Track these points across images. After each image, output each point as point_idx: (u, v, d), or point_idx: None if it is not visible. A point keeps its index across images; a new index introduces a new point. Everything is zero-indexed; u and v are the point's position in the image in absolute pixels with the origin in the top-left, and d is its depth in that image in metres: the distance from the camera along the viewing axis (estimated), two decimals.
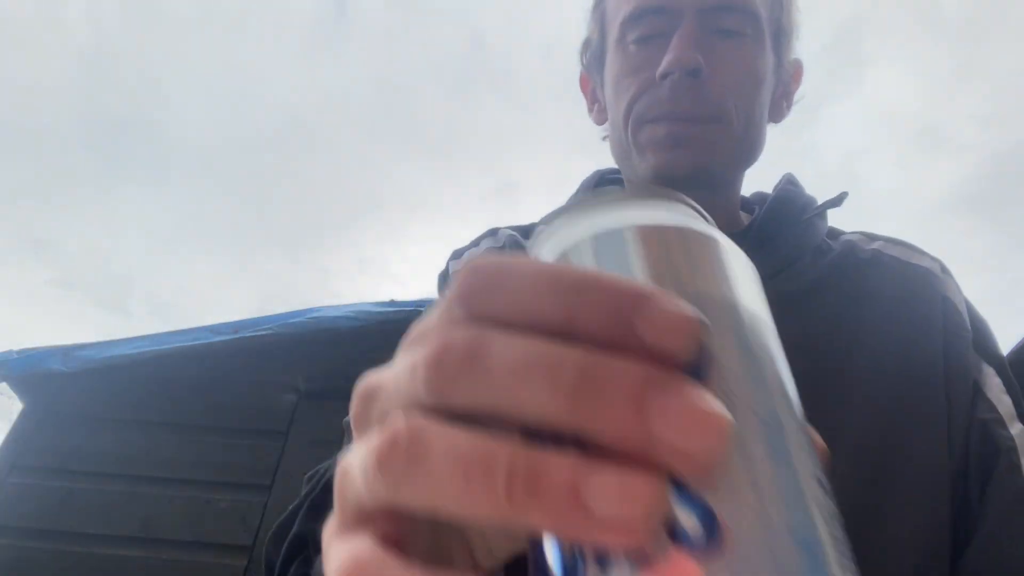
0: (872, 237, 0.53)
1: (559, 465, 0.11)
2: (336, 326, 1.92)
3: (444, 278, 0.55)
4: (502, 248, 0.54)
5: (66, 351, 1.88)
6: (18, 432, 1.90)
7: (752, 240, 0.50)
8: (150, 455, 1.82)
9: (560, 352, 0.12)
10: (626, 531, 0.10)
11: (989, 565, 0.38)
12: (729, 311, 0.13)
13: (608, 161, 0.59)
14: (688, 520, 0.11)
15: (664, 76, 0.46)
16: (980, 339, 0.46)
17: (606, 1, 0.54)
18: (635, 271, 0.14)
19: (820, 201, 0.53)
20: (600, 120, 0.58)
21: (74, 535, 1.71)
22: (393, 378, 0.14)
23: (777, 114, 0.55)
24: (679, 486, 0.11)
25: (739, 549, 0.10)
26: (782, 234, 0.50)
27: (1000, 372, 0.45)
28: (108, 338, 1.93)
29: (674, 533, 0.11)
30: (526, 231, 0.56)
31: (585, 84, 0.60)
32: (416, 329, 0.15)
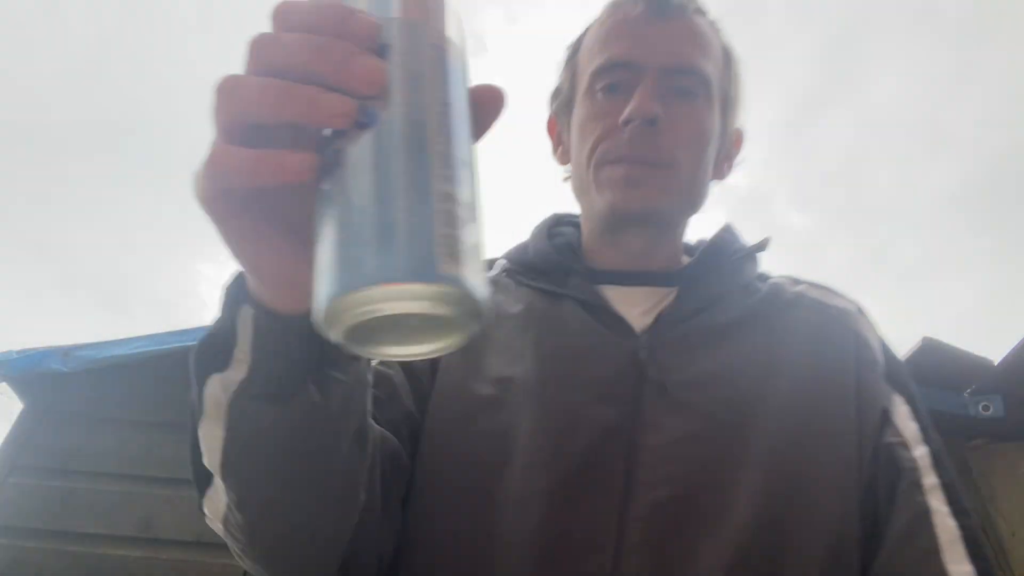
0: (797, 281, 0.59)
1: (306, 88, 0.23)
2: None
3: None
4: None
5: (66, 351, 1.88)
6: (18, 432, 1.90)
7: (688, 278, 0.56)
8: (150, 455, 1.82)
9: (311, 37, 0.23)
10: (338, 118, 0.22)
11: (901, 563, 0.43)
12: (432, 42, 0.25)
13: (566, 204, 0.66)
14: (363, 115, 0.23)
15: (626, 122, 0.53)
16: (892, 372, 0.52)
17: (578, 55, 0.62)
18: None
19: (748, 246, 0.61)
20: (564, 160, 0.65)
21: (74, 535, 1.71)
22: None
23: (719, 173, 0.63)
24: (364, 103, 0.23)
25: (385, 126, 0.23)
26: (714, 273, 0.57)
27: (909, 401, 0.50)
28: (109, 338, 1.93)
29: (359, 122, 0.23)
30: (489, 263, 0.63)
31: (552, 127, 0.67)
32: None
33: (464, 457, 0.48)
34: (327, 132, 0.24)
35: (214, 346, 0.33)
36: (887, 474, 0.46)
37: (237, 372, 0.32)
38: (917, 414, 0.49)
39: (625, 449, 0.46)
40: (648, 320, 0.53)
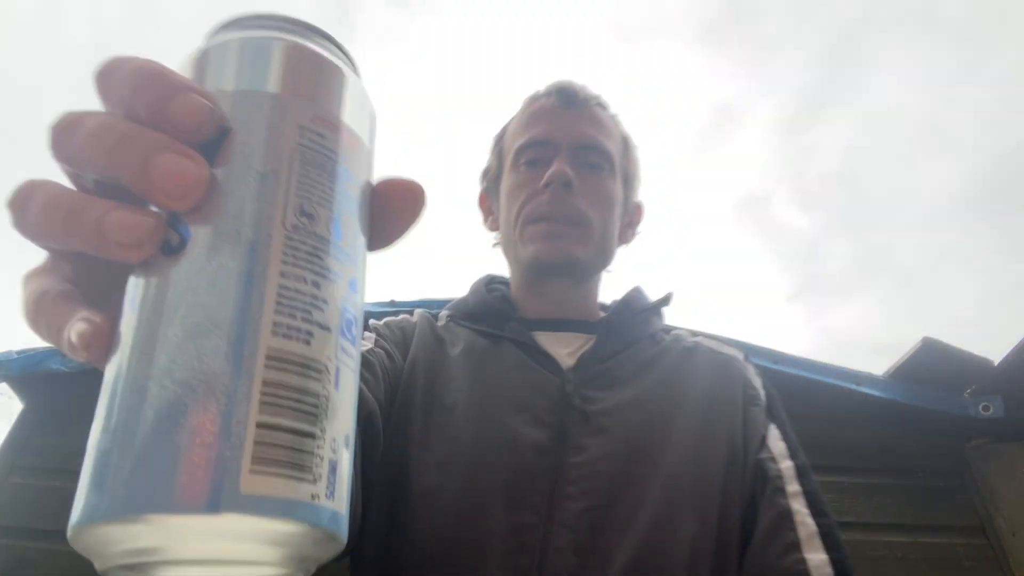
0: (695, 333, 0.72)
1: (94, 206, 0.17)
2: None
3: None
4: (414, 322, 0.69)
5: None
6: (18, 432, 1.90)
7: (605, 326, 0.67)
8: None
9: (115, 123, 0.18)
10: (129, 249, 0.17)
11: (757, 571, 0.50)
12: (258, 109, 0.18)
13: (496, 268, 0.77)
14: (174, 237, 0.17)
15: (546, 185, 0.64)
16: (770, 406, 0.63)
17: (503, 140, 0.74)
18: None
19: (654, 302, 0.72)
20: (493, 228, 0.76)
21: None
22: None
23: (624, 238, 0.75)
24: (175, 216, 0.17)
25: (197, 250, 0.16)
26: (626, 324, 0.68)
27: (780, 427, 0.60)
28: None
29: (166, 246, 0.17)
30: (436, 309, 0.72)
31: (483, 201, 0.78)
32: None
33: (421, 460, 0.55)
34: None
35: None
36: (758, 483, 0.55)
37: None
38: (786, 436, 0.59)
39: (553, 466, 0.54)
40: (572, 360, 0.63)
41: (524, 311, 0.69)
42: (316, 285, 0.16)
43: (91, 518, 0.15)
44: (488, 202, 0.77)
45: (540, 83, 0.73)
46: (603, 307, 0.74)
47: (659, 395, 0.60)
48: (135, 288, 0.17)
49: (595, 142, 0.67)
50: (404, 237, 0.23)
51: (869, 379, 1.88)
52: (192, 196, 0.17)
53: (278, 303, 0.15)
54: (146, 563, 0.15)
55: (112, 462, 0.15)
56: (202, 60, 0.19)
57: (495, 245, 0.75)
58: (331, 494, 0.15)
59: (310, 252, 0.17)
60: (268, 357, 0.15)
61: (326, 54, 0.20)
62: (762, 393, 0.64)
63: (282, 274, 0.16)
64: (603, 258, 0.70)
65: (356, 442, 0.43)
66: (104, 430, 0.15)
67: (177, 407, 0.14)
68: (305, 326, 0.16)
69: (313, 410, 0.15)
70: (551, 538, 0.50)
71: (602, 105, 0.71)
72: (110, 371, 0.16)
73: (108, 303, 0.19)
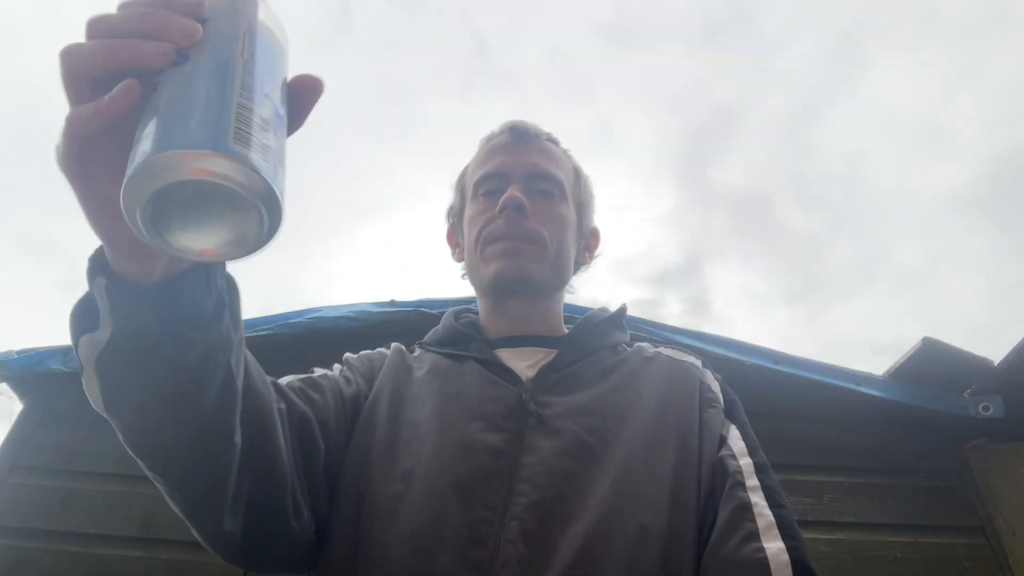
0: (657, 344, 0.77)
1: (130, 41, 0.30)
2: (336, 326, 1.92)
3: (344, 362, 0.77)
4: (386, 354, 0.76)
5: (66, 351, 1.88)
6: (18, 432, 1.90)
7: (565, 342, 0.72)
8: None
9: (140, 7, 0.31)
10: (160, 56, 0.30)
11: (717, 560, 0.52)
12: (240, 15, 0.33)
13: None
14: (182, 56, 0.30)
15: (501, 210, 0.71)
16: (728, 408, 0.66)
17: (464, 178, 0.81)
18: None
19: (612, 314, 0.79)
20: (459, 258, 0.83)
21: (74, 535, 1.70)
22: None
23: (582, 260, 0.83)
24: (181, 49, 0.30)
25: (195, 60, 0.30)
26: (584, 337, 0.74)
27: (740, 427, 0.63)
28: None
29: (179, 57, 0.30)
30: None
31: (450, 236, 0.86)
32: None
33: (386, 473, 0.60)
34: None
35: (84, 310, 0.40)
36: (718, 478, 0.57)
37: (103, 333, 0.39)
38: (746, 436, 0.62)
39: (509, 466, 0.58)
40: (532, 372, 0.68)
41: (489, 332, 0.76)
42: (259, 80, 0.31)
43: (144, 158, 0.26)
44: (455, 236, 0.85)
45: (496, 124, 0.82)
46: (570, 321, 0.81)
47: (614, 399, 0.65)
48: (164, 79, 0.30)
49: (545, 171, 0.75)
50: (310, 110, 0.36)
51: (869, 379, 1.88)
52: (193, 36, 0.31)
53: (241, 83, 0.29)
54: (171, 186, 0.27)
55: (154, 134, 0.27)
56: None
57: (463, 276, 0.82)
58: (274, 172, 0.28)
59: (255, 66, 0.31)
60: (240, 90, 0.29)
61: None
62: (721, 396, 0.67)
63: (241, 70, 0.30)
64: (559, 275, 0.75)
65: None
66: (148, 124, 0.28)
67: (197, 109, 0.28)
68: (256, 93, 0.30)
69: (265, 125, 0.29)
70: (503, 531, 0.53)
71: (552, 140, 0.80)
72: (148, 109, 0.29)
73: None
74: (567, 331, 0.78)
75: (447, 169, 0.84)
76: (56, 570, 1.65)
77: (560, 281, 0.76)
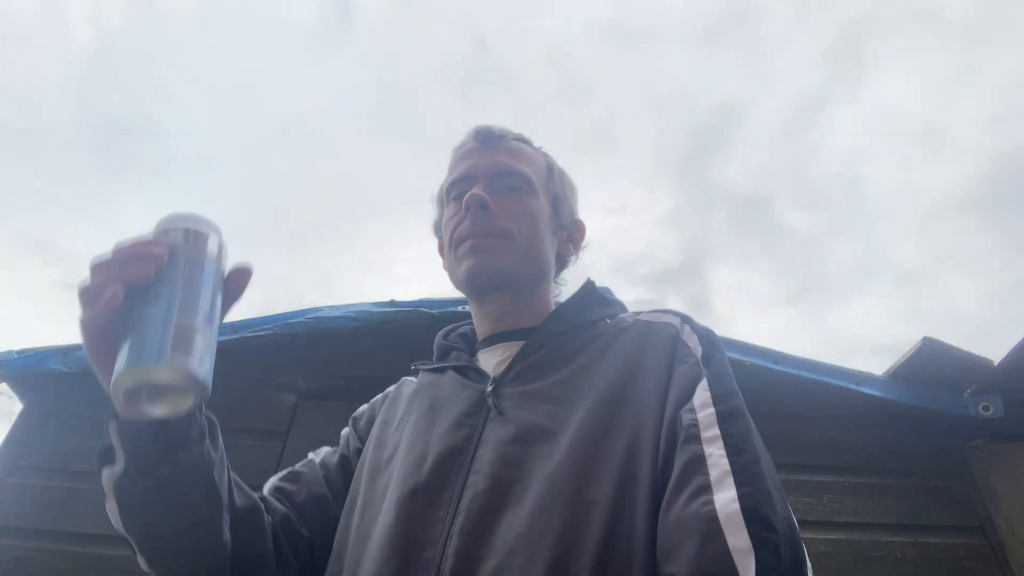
0: (639, 312, 0.74)
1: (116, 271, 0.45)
2: (336, 326, 1.92)
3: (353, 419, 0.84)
4: (388, 391, 0.84)
5: (66, 351, 1.88)
6: (18, 432, 1.90)
7: (538, 328, 0.72)
8: None
9: (125, 253, 0.45)
10: (144, 273, 0.44)
11: (665, 522, 0.48)
12: (188, 248, 0.47)
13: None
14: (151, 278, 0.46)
15: (466, 209, 0.72)
16: (706, 358, 0.61)
17: (443, 189, 0.82)
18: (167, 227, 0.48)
19: (586, 294, 0.78)
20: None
21: (74, 535, 1.70)
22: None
23: (566, 253, 0.82)
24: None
25: (155, 287, 0.45)
26: (558, 318, 0.73)
27: (711, 376, 0.58)
28: None
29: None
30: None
31: (441, 250, 0.85)
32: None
33: (371, 495, 0.65)
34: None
35: (104, 451, 0.53)
36: (672, 436, 0.53)
37: (119, 464, 0.52)
38: (715, 385, 0.56)
39: (465, 462, 0.59)
40: (503, 367, 0.68)
41: (478, 337, 0.78)
42: (191, 299, 0.44)
43: (118, 371, 0.41)
44: (444, 249, 0.86)
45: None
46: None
47: (579, 378, 0.63)
48: (133, 296, 0.44)
49: (510, 168, 0.75)
50: (239, 296, 0.50)
51: (869, 379, 1.88)
52: (156, 265, 0.44)
53: (180, 306, 0.43)
54: (135, 386, 0.42)
55: (124, 353, 0.42)
56: (160, 228, 0.47)
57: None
58: (199, 363, 0.42)
59: (189, 290, 0.45)
60: (179, 312, 0.43)
61: (203, 228, 0.48)
62: (698, 350, 0.62)
63: (180, 296, 0.44)
64: (534, 268, 0.74)
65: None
66: (123, 341, 0.42)
67: (150, 325, 0.43)
68: (191, 309, 0.44)
69: (198, 331, 0.43)
70: (453, 527, 0.54)
71: (522, 140, 0.80)
72: (122, 325, 0.43)
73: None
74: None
75: (447, 168, 0.84)
76: (56, 570, 1.65)
77: (536, 273, 0.75)
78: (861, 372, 1.88)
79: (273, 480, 0.74)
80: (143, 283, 0.43)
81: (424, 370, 0.79)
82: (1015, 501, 1.73)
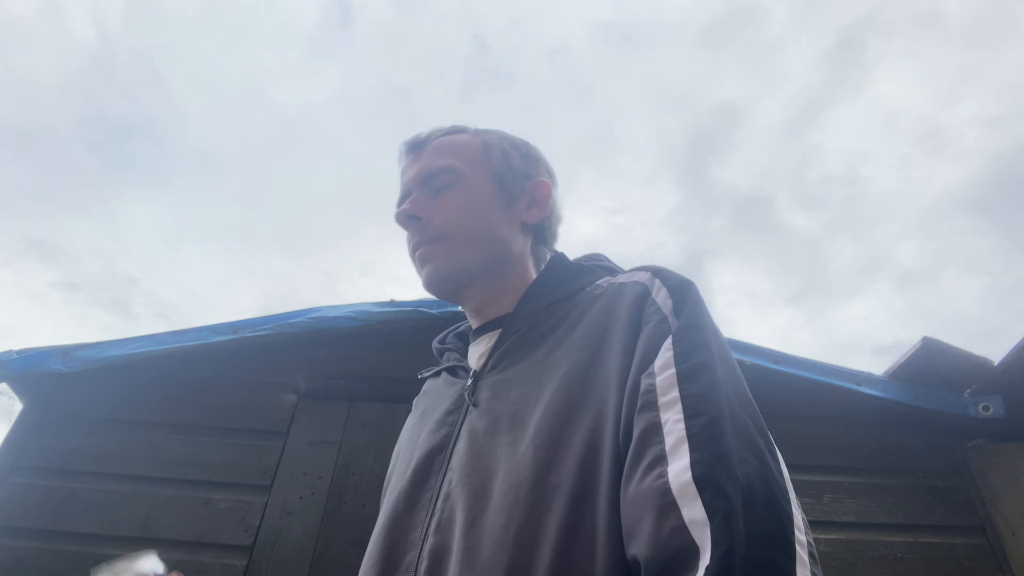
0: (616, 276, 0.67)
1: None
2: (336, 326, 1.92)
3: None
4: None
5: (66, 351, 1.88)
6: (18, 432, 1.90)
7: (511, 314, 0.69)
8: (150, 455, 1.82)
9: None
10: None
11: (623, 502, 0.44)
12: None
13: None
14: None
15: (404, 227, 0.74)
16: (677, 308, 0.54)
17: None
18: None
19: (556, 265, 0.74)
20: None
21: (74, 535, 1.70)
22: None
23: (531, 218, 0.77)
24: None
25: None
26: (531, 299, 0.70)
27: (677, 334, 0.51)
28: (109, 338, 1.93)
29: None
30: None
31: None
32: None
33: (381, 509, 0.66)
34: None
35: None
36: (632, 406, 0.48)
37: None
38: (680, 342, 0.50)
39: (444, 460, 0.59)
40: (484, 359, 0.68)
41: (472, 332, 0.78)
42: None
43: None
44: None
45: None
46: None
47: (549, 357, 0.59)
48: None
49: (434, 169, 0.74)
50: None
51: (869, 379, 1.88)
52: None
53: None
54: None
55: None
56: None
57: None
58: None
59: None
60: None
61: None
62: (667, 304, 0.55)
63: None
64: (485, 253, 0.72)
65: None
66: None
67: None
68: None
69: None
70: (429, 527, 0.54)
71: (452, 131, 0.78)
72: None
73: None
74: None
75: None
76: (56, 570, 1.65)
77: (490, 256, 0.72)
78: (861, 372, 1.89)
79: None
80: None
81: (426, 377, 0.81)
82: (1015, 501, 1.73)
